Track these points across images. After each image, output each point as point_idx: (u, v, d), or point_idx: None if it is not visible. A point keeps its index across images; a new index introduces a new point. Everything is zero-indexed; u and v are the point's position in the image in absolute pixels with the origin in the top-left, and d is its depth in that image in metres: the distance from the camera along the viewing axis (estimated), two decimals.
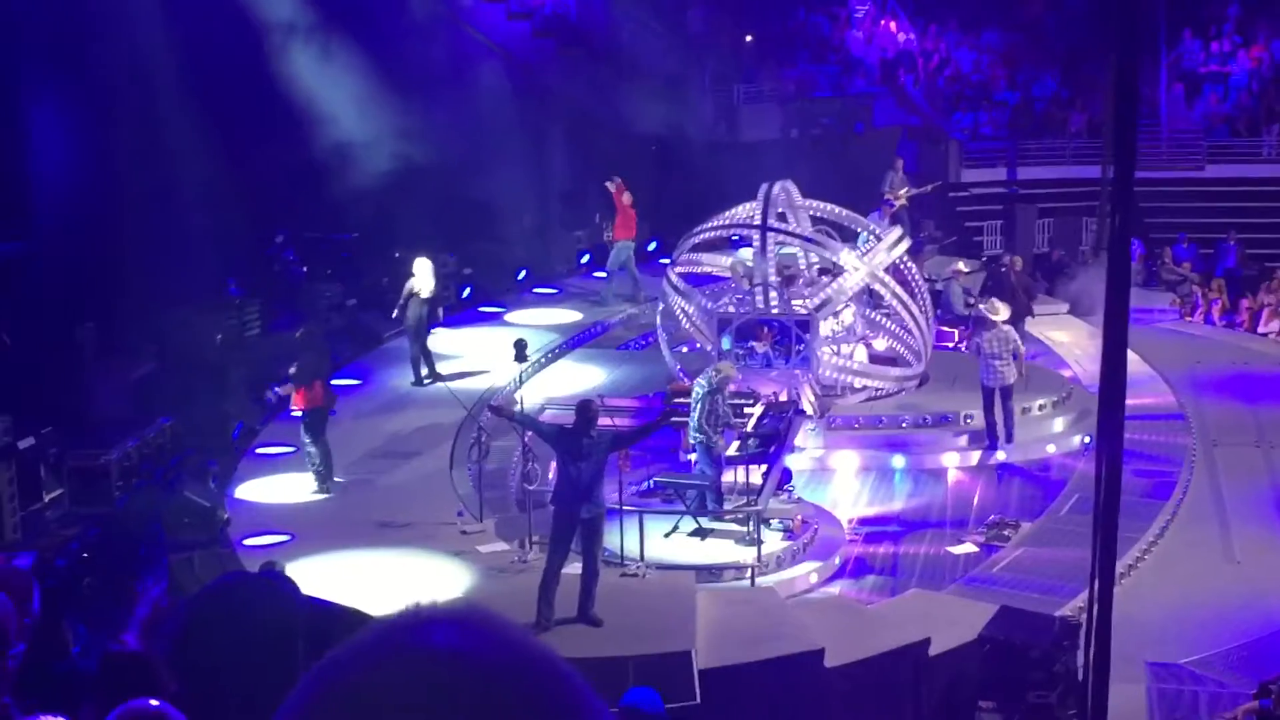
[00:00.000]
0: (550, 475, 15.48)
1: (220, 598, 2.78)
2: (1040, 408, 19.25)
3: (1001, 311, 18.58)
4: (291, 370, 16.58)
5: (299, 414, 16.45)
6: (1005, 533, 16.18)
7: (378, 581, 13.59)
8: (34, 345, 17.07)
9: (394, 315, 20.55)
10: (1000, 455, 18.47)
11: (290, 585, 2.82)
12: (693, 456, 16.15)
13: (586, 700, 1.42)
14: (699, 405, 15.65)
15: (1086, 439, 18.15)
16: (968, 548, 16.00)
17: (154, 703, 3.74)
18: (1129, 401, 7.10)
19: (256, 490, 16.60)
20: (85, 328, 17.88)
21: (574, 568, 12.67)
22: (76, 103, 18.85)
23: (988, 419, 18.34)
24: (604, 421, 13.37)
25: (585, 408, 12.59)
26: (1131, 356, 8.50)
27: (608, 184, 24.54)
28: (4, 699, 3.44)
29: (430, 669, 1.37)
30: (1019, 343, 18.67)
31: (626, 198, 24.40)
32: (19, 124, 18.44)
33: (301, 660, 2.50)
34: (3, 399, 14.76)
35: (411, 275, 20.00)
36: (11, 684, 3.51)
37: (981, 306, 19.24)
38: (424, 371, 20.20)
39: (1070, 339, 23.67)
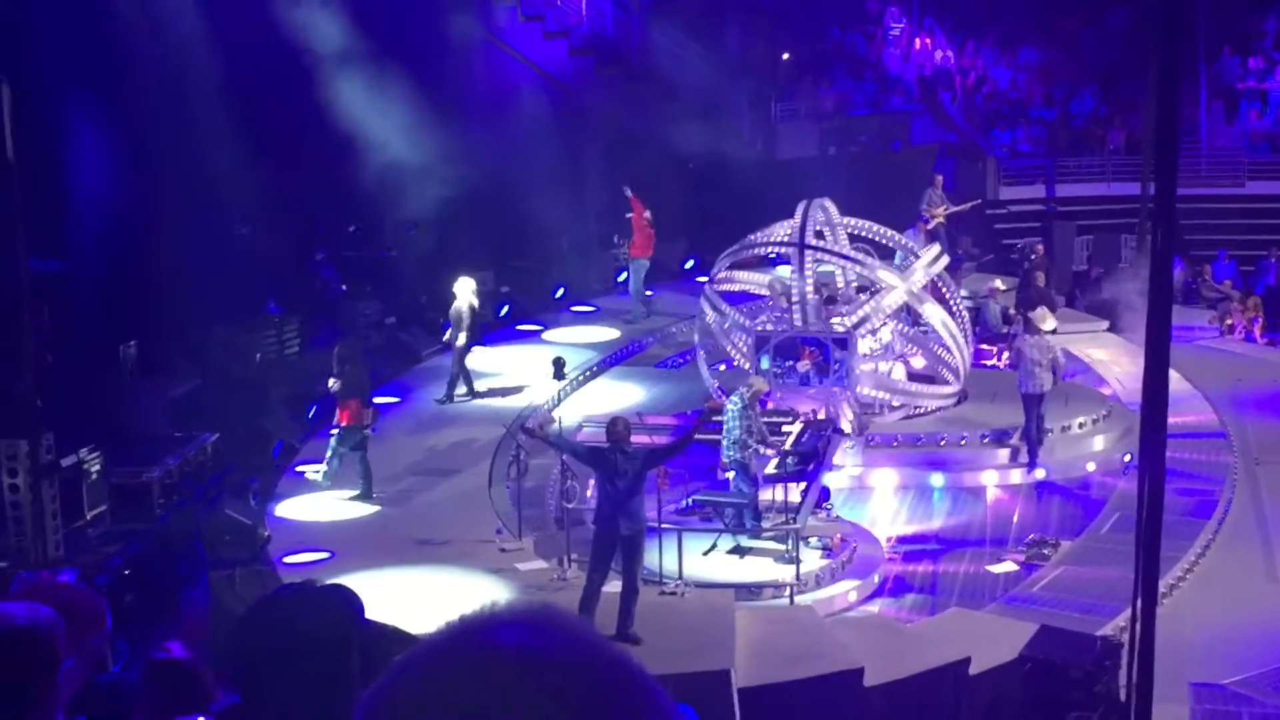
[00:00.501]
0: (589, 493, 15.50)
1: (274, 609, 2.80)
2: (1080, 425, 19.17)
3: (1049, 321, 18.62)
4: (333, 386, 16.67)
5: (343, 430, 16.52)
6: (1045, 551, 16.09)
7: (417, 599, 13.61)
8: (76, 363, 17.18)
9: (446, 338, 20.37)
10: (1039, 473, 18.39)
11: (350, 599, 2.83)
12: (730, 474, 16.14)
13: (657, 700, 1.42)
14: (735, 422, 15.64)
15: (1127, 457, 18.04)
16: (1007, 566, 15.92)
17: None
18: (1170, 419, 7.05)
19: (297, 508, 16.66)
20: (127, 346, 17.99)
21: (613, 586, 12.67)
22: (116, 121, 18.96)
23: (1027, 433, 18.27)
24: (642, 439, 13.36)
25: (613, 425, 12.61)
26: (1172, 374, 8.44)
27: (626, 192, 24.48)
28: (56, 715, 3.47)
29: (500, 668, 1.37)
30: (1058, 353, 18.64)
31: (646, 216, 24.38)
32: (58, 142, 18.56)
33: (356, 674, 2.51)
34: (45, 416, 14.85)
35: (454, 297, 20.04)
36: (64, 700, 3.54)
37: (1030, 315, 19.27)
38: (460, 390, 20.24)
39: (1109, 356, 23.53)
